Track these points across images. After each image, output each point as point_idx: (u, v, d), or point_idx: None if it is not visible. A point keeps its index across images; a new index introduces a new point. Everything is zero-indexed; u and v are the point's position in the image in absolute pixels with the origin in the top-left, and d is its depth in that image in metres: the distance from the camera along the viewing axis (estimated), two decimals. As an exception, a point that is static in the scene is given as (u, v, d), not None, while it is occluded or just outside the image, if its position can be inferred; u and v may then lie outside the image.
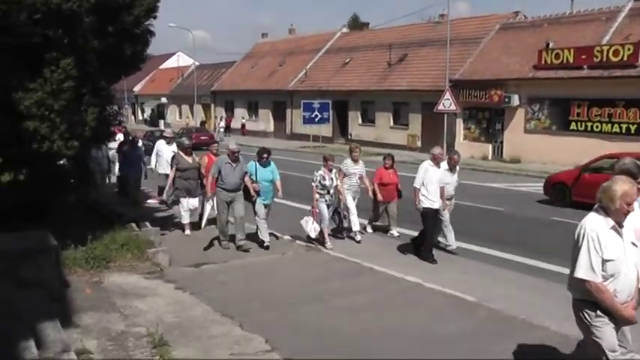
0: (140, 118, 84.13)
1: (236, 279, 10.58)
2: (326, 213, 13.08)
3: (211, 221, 14.09)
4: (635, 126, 28.75)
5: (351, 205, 13.96)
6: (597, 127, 30.30)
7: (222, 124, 57.18)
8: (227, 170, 12.52)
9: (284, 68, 56.34)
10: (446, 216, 12.62)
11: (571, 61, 31.16)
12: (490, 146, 35.85)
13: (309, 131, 44.33)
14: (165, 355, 6.77)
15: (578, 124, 31.13)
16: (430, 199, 12.04)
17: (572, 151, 30.23)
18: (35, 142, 9.63)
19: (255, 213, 12.92)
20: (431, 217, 12.17)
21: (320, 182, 13.03)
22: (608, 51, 29.72)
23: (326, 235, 13.14)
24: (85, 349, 6.76)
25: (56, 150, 9.72)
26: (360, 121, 45.80)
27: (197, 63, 72.12)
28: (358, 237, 13.84)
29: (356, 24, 68.35)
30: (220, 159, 12.91)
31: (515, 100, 33.79)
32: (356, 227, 13.86)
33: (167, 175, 16.19)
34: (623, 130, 29.22)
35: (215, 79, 67.24)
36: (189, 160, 14.28)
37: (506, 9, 41.75)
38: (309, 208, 13.47)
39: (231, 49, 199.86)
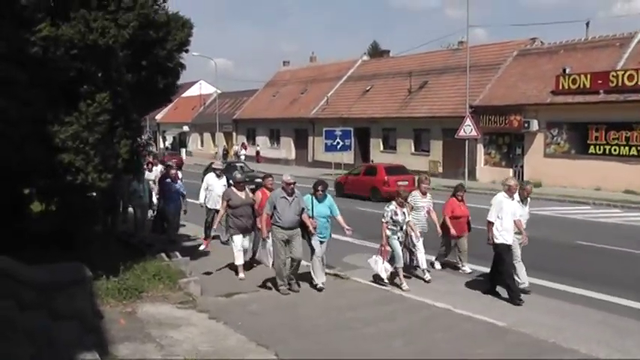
0: (162, 146, 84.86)
1: (268, 308, 10.65)
2: (400, 251, 12.12)
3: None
4: (652, 148, 29.06)
5: (418, 241, 12.87)
6: (615, 150, 30.64)
7: (244, 151, 57.53)
8: (282, 205, 11.43)
9: (305, 96, 56.76)
10: (517, 252, 11.75)
11: (587, 86, 31.54)
12: (511, 171, 35.79)
13: (330, 159, 44.42)
14: (205, 384, 6.87)
15: (597, 147, 31.43)
16: (505, 234, 11.19)
17: (591, 175, 30.58)
18: (70, 174, 9.84)
19: (312, 251, 11.89)
20: (507, 253, 11.23)
21: (392, 218, 12.09)
22: (623, 76, 30.20)
23: (401, 276, 12.23)
24: (125, 379, 6.88)
25: (90, 182, 9.93)
26: (381, 148, 45.98)
27: (219, 91, 72.77)
28: (427, 276, 12.82)
29: (376, 52, 68.84)
30: (274, 193, 11.78)
31: (535, 125, 34.08)
32: (424, 265, 12.86)
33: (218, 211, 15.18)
34: (641, 153, 29.63)
35: (237, 107, 67.79)
36: (242, 195, 13.29)
37: (522, 35, 41.87)
38: (341, 237, 13.17)
39: (253, 76, 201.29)
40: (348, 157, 44.86)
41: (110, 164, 10.39)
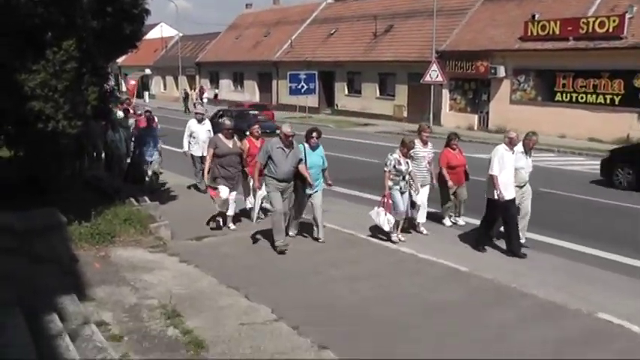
0: (124, 89, 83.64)
1: (237, 251, 10.88)
2: (400, 202, 11.58)
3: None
4: (620, 97, 29.32)
5: (422, 194, 12.36)
6: (582, 97, 30.84)
7: (206, 94, 57.08)
8: (279, 157, 10.67)
9: (269, 39, 56.34)
10: (526, 204, 11.58)
11: (557, 32, 31.54)
12: (476, 117, 36.34)
13: (295, 102, 44.52)
14: (180, 326, 7.14)
15: (564, 95, 31.69)
16: (504, 188, 10.77)
17: (557, 122, 30.89)
18: (40, 122, 9.88)
19: (309, 205, 11.49)
20: (503, 207, 10.93)
21: (395, 167, 11.51)
22: (593, 23, 30.11)
23: (399, 228, 11.91)
24: (103, 321, 7.12)
25: (61, 129, 9.99)
26: (346, 92, 46.09)
27: (181, 34, 71.79)
28: (424, 230, 12.58)
29: (340, -6, 68.19)
30: (270, 143, 10.87)
31: (502, 71, 34.22)
32: (422, 219, 12.59)
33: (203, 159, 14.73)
34: (608, 101, 29.83)
35: (199, 50, 67.12)
36: (230, 144, 12.33)
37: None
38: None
39: (213, 18, 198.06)
40: (312, 101, 44.97)
41: (79, 111, 10.42)
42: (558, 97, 31.94)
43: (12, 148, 13.14)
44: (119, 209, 11.89)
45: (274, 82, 53.11)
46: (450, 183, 12.78)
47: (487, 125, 35.27)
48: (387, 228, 11.47)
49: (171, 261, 10.00)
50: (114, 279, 8.82)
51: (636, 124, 28.72)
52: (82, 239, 10.32)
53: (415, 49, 39.69)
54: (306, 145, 11.38)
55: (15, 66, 9.61)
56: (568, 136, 30.55)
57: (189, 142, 16.29)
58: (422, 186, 12.38)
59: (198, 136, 16.04)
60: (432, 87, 34.82)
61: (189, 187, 16.71)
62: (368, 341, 7.13)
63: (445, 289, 9.05)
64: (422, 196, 12.41)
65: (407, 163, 11.68)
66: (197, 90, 59.43)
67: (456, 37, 37.58)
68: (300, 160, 11.04)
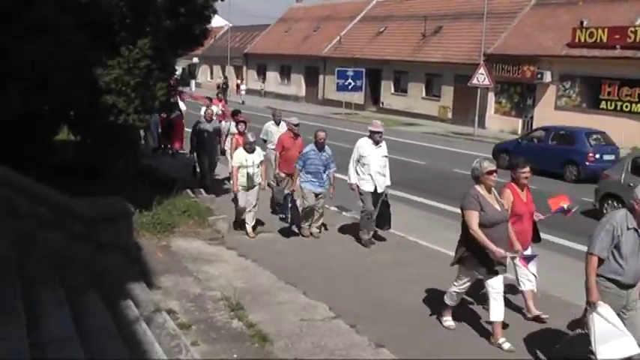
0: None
1: (292, 248, 11.19)
2: None
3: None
4: (665, 106, 29.14)
5: None
6: (627, 106, 30.75)
7: (244, 87, 56.94)
8: None
9: (318, 34, 56.60)
10: None
11: (604, 40, 31.39)
12: (520, 121, 36.21)
13: (341, 98, 44.71)
14: (243, 319, 7.55)
15: (608, 103, 31.58)
16: None
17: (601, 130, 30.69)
18: (112, 115, 10.41)
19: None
20: None
21: None
22: (641, 32, 29.91)
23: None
24: (171, 309, 7.55)
25: (131, 122, 10.50)
26: (392, 90, 46.15)
27: (230, 24, 72.44)
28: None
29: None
30: None
31: (548, 76, 34.09)
32: None
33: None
34: (653, 111, 29.67)
35: (248, 42, 67.60)
36: (495, 203, 7.36)
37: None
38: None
39: (262, 10, 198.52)
40: (358, 98, 45.18)
41: (148, 105, 10.96)
42: (603, 104, 31.84)
43: (78, 135, 13.68)
44: (177, 200, 12.37)
45: (321, 77, 53.40)
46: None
47: (531, 129, 35.16)
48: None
49: (230, 254, 10.41)
50: (177, 269, 9.27)
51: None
52: (143, 228, 10.76)
53: (463, 51, 39.67)
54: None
55: (91, 61, 10.12)
56: (612, 145, 30.35)
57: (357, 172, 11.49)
58: None
59: (370, 163, 11.30)
60: (478, 89, 34.83)
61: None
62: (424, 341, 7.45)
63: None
64: None
65: None
66: (243, 81, 59.52)
67: (504, 41, 37.47)
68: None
